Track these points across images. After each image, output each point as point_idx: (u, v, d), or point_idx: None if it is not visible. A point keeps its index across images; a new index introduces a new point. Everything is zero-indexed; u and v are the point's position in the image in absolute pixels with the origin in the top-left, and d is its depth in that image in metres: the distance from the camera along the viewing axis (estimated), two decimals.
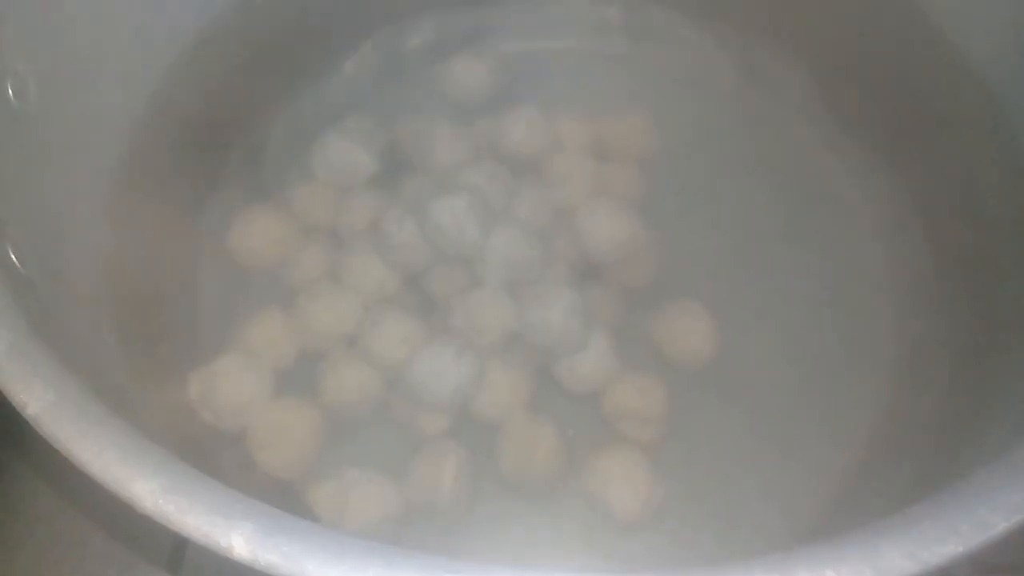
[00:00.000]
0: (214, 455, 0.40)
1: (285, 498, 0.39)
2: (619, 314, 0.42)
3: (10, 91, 0.33)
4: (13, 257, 0.29)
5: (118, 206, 0.40)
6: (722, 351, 0.41)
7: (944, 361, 0.39)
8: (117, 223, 0.39)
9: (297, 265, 0.43)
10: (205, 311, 0.43)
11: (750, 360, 0.42)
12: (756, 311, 0.42)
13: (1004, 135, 0.40)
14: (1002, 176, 0.40)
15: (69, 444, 0.21)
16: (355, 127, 0.47)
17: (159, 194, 0.42)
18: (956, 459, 0.35)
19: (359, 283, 0.42)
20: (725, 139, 0.47)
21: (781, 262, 0.44)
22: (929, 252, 0.42)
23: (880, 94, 0.46)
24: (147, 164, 0.42)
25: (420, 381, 0.39)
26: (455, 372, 0.39)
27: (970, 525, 0.20)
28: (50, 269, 0.32)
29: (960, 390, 0.37)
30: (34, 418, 0.22)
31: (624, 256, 0.43)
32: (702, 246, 0.44)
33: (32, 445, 0.22)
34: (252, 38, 0.48)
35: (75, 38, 0.39)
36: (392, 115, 0.48)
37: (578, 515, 0.39)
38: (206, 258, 0.44)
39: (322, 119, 0.48)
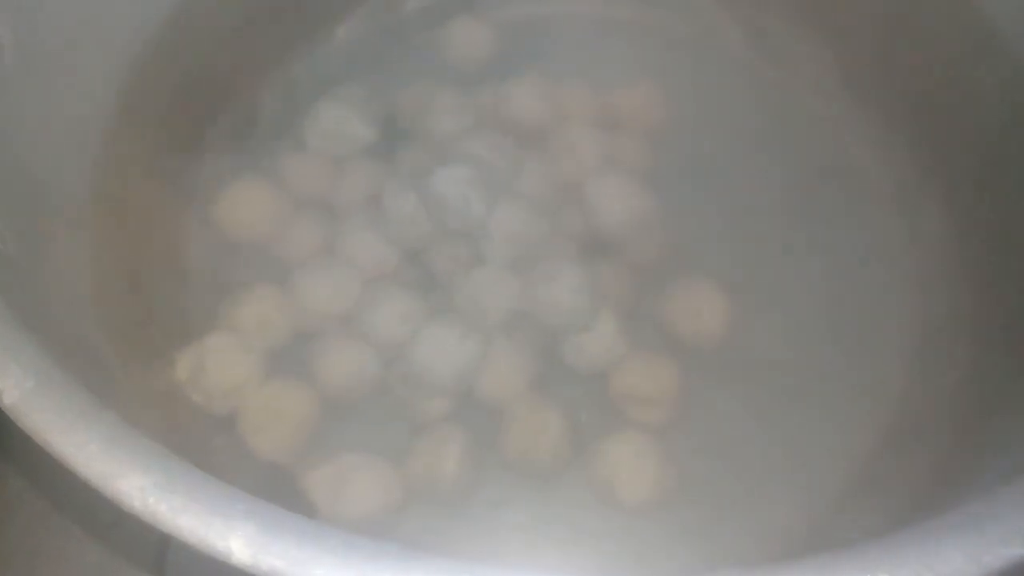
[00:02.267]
0: (205, 439, 0.38)
1: (279, 484, 0.37)
2: (628, 292, 0.41)
3: None
4: None
5: (101, 178, 0.38)
6: (735, 331, 0.40)
7: (967, 343, 0.37)
8: (100, 196, 0.37)
9: (290, 239, 0.42)
10: (193, 288, 0.41)
11: (764, 340, 0.40)
12: (770, 289, 0.41)
13: None
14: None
15: (49, 436, 0.20)
16: (350, 95, 0.45)
17: (144, 165, 0.40)
18: (978, 447, 0.33)
19: (356, 258, 0.40)
20: (736, 110, 0.45)
21: (796, 238, 0.42)
22: (950, 229, 0.40)
23: (896, 62, 0.44)
24: (131, 134, 0.40)
25: (422, 362, 0.37)
26: (459, 353, 0.37)
27: None
28: (29, 245, 0.30)
29: (983, 375, 0.35)
30: (11, 408, 0.20)
31: (633, 232, 0.41)
32: (713, 221, 0.42)
33: (6, 432, 0.20)
34: (240, 2, 0.45)
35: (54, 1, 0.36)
36: (389, 83, 0.46)
37: (585, 500, 0.37)
38: (194, 232, 0.42)
39: (315, 87, 0.46)
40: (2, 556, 0.37)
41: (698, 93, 0.46)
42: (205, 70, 0.44)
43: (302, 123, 0.44)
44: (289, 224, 0.42)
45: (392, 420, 0.39)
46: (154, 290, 0.39)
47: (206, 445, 0.38)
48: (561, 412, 0.38)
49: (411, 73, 0.47)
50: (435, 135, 0.43)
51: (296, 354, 0.39)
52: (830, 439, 0.38)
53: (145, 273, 0.39)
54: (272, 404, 0.38)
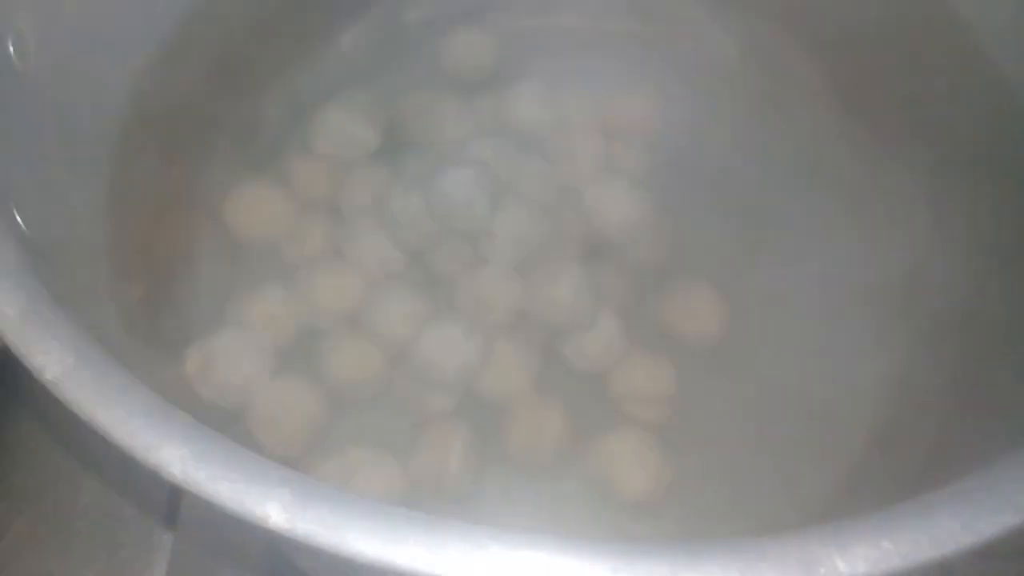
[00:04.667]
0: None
1: None
2: (627, 293, 0.42)
3: (11, 50, 0.31)
4: (19, 219, 0.27)
5: (115, 180, 0.38)
6: (731, 332, 0.41)
7: (958, 341, 0.38)
8: (113, 196, 0.38)
9: (297, 240, 0.42)
10: (203, 286, 0.41)
11: (759, 341, 0.41)
12: (765, 292, 0.42)
13: (1016, 118, 0.39)
14: (1015, 160, 0.39)
15: (92, 410, 0.20)
16: (354, 101, 0.46)
17: (156, 167, 0.41)
18: (975, 437, 0.34)
19: (362, 259, 0.41)
20: (732, 121, 0.46)
21: (789, 244, 0.43)
22: (940, 234, 0.42)
23: (888, 76, 0.45)
24: (145, 135, 0.40)
25: (427, 359, 0.38)
26: (463, 350, 0.38)
27: None
28: (52, 236, 0.30)
29: (975, 369, 0.37)
30: (53, 383, 0.21)
31: (631, 235, 0.43)
32: (710, 227, 0.44)
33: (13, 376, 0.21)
34: (249, 11, 0.46)
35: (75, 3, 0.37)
36: (392, 91, 0.47)
37: (585, 496, 0.38)
38: (204, 232, 0.42)
39: (319, 95, 0.47)
40: (12, 498, 0.38)
41: (694, 103, 0.47)
42: (213, 76, 0.45)
43: (307, 128, 0.45)
44: (296, 225, 0.43)
45: (397, 416, 0.39)
46: (165, 288, 0.40)
47: None
48: (562, 409, 0.39)
49: (414, 81, 0.48)
50: (438, 140, 0.44)
51: (303, 351, 0.40)
52: (825, 436, 0.39)
53: (156, 272, 0.40)
54: (279, 400, 0.39)
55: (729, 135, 0.46)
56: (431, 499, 0.38)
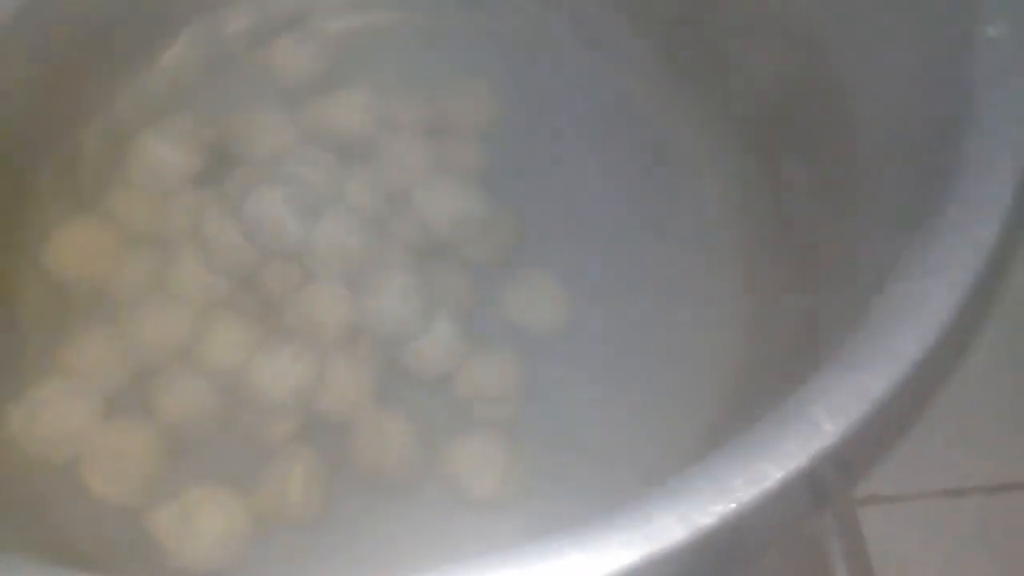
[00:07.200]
0: (44, 488, 0.37)
1: (125, 527, 0.37)
2: (466, 292, 0.41)
3: None
4: None
5: None
6: (575, 320, 0.40)
7: (795, 309, 0.38)
8: None
9: (121, 277, 0.41)
10: (25, 336, 0.40)
11: (603, 327, 0.40)
12: (607, 277, 0.41)
13: (841, 95, 0.39)
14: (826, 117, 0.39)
15: None
16: (175, 125, 0.44)
17: None
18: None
19: (186, 291, 0.40)
20: (566, 106, 0.45)
21: (629, 227, 0.42)
22: (773, 203, 0.41)
23: (719, 52, 0.44)
24: None
25: (258, 386, 0.37)
26: (295, 373, 0.37)
27: (745, 480, 0.19)
28: None
29: (803, 341, 0.36)
30: None
31: (467, 232, 0.41)
32: (548, 216, 0.42)
33: None
34: (56, 36, 0.44)
35: None
36: (217, 107, 0.45)
37: (440, 503, 0.38)
38: (22, 278, 0.41)
39: (142, 119, 0.45)
40: None
41: (527, 92, 0.46)
42: (23, 107, 0.43)
43: (127, 159, 0.43)
44: (119, 262, 0.41)
45: (239, 448, 0.38)
46: None
47: (46, 493, 0.37)
48: (406, 420, 0.38)
49: (240, 95, 0.46)
50: (259, 157, 0.42)
51: (134, 393, 0.39)
52: (674, 417, 0.39)
53: None
54: (112, 446, 0.37)
55: (563, 121, 0.45)
56: (286, 529, 0.37)
